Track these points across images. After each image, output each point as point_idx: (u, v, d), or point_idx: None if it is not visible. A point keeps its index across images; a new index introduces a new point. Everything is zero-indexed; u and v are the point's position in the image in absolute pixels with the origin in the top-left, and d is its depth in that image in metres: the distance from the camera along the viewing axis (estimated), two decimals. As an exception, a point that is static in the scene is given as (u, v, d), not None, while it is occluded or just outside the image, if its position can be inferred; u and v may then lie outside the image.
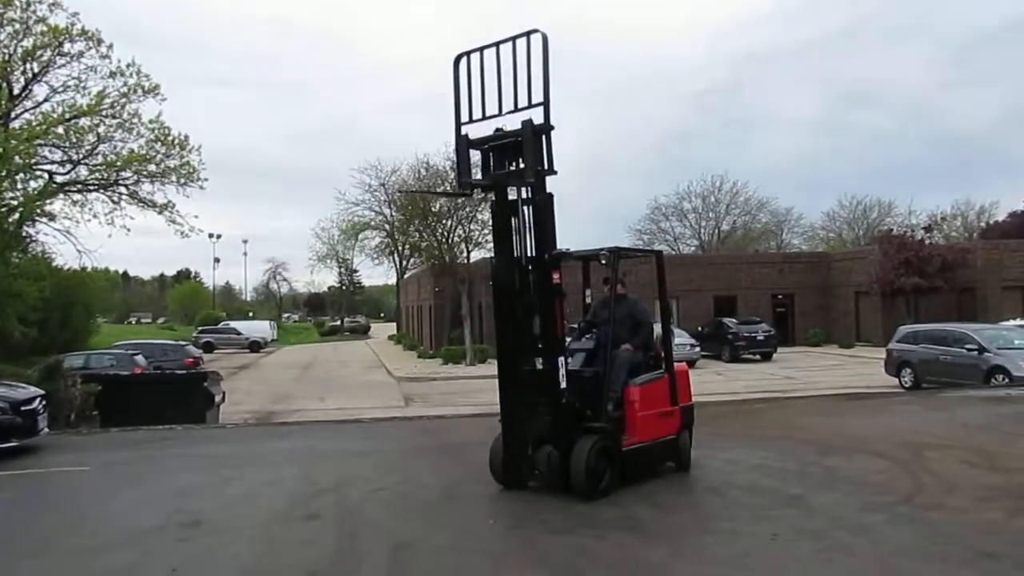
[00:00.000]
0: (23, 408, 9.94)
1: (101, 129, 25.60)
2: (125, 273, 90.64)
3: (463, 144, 7.09)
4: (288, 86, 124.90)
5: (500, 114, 6.89)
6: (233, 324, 54.09)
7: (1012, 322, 22.06)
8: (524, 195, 6.92)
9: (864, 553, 5.25)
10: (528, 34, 6.56)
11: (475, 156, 7.29)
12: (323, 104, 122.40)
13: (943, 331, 18.71)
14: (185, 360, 25.24)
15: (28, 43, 24.71)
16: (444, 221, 33.34)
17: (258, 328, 53.68)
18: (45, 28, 24.46)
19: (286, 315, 74.66)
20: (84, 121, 25.24)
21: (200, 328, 52.03)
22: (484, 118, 7.01)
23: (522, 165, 6.72)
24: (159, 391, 14.44)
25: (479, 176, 7.42)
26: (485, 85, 6.86)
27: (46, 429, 10.56)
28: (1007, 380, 15.87)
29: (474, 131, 7.09)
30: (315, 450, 9.83)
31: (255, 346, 48.27)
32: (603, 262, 7.48)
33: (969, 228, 54.73)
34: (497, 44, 6.78)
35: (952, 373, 17.14)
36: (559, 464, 6.71)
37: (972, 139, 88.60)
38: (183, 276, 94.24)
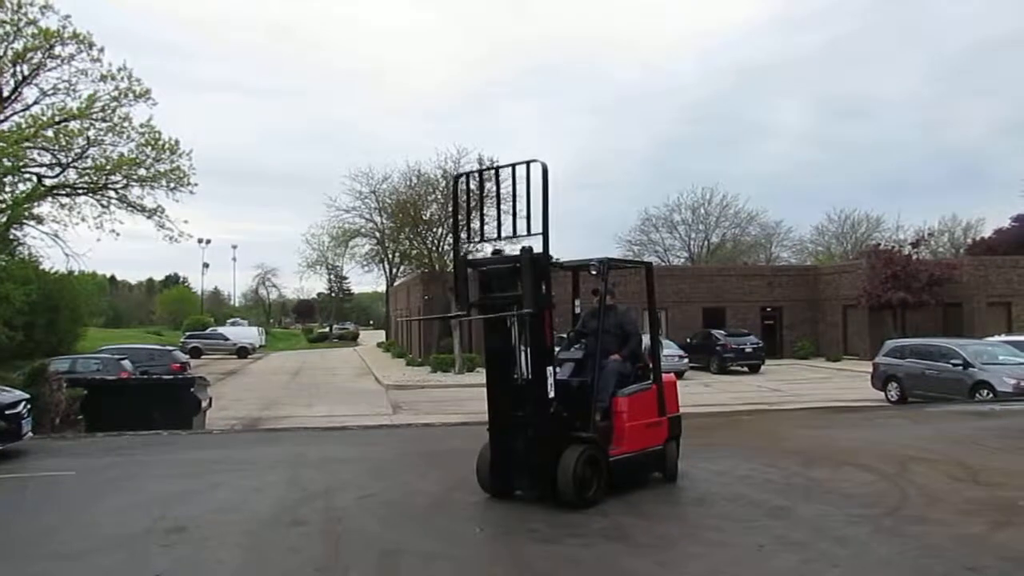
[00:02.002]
0: (7, 412, 9.85)
1: (91, 132, 25.52)
2: (113, 277, 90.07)
3: (462, 265, 7.19)
4: (282, 92, 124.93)
5: (499, 239, 7.02)
6: (221, 330, 53.81)
7: (997, 337, 22.21)
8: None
9: (848, 564, 5.28)
10: (528, 163, 6.70)
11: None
12: (316, 109, 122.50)
13: (929, 346, 18.84)
14: (172, 365, 25.08)
15: (18, 45, 24.62)
16: (435, 229, 33.39)
17: (246, 334, 53.40)
18: (36, 30, 24.36)
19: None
20: (74, 124, 25.14)
21: (188, 333, 51.74)
22: (483, 240, 7.17)
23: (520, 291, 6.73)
24: (145, 396, 14.35)
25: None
26: (484, 208, 7.07)
27: (30, 433, 10.47)
28: (991, 395, 15.98)
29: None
30: (302, 457, 9.79)
31: (243, 352, 48.03)
32: (593, 272, 7.51)
33: (956, 244, 55.25)
34: (497, 168, 7.09)
35: (938, 387, 17.25)
36: (547, 473, 6.72)
37: (960, 155, 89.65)
38: (171, 281, 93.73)
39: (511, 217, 6.84)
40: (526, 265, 6.62)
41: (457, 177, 7.43)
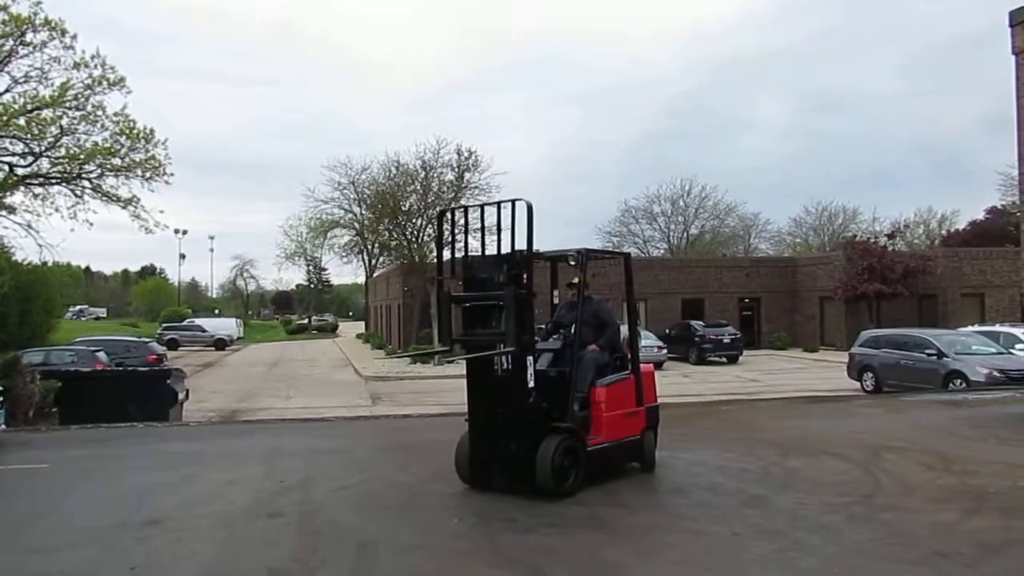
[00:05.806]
0: (-21, 404, 9.72)
1: (64, 121, 25.11)
2: (88, 268, 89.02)
3: (445, 300, 7.16)
4: (260, 82, 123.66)
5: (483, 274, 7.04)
6: (198, 321, 53.30)
7: (970, 328, 22.55)
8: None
9: (822, 552, 5.34)
10: (513, 201, 6.70)
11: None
12: (295, 100, 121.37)
13: (904, 336, 19.08)
14: (148, 357, 24.80)
15: (-11, 32, 24.12)
16: (414, 220, 33.26)
17: (224, 325, 52.94)
18: (7, 17, 23.89)
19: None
20: (47, 113, 24.73)
21: (164, 325, 51.17)
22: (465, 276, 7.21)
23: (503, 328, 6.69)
24: (121, 388, 14.18)
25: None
26: (469, 243, 7.11)
27: (3, 426, 10.34)
28: (964, 384, 16.22)
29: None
30: (280, 449, 9.73)
31: (220, 344, 47.62)
32: (572, 263, 7.50)
33: (931, 236, 56.01)
34: (482, 206, 7.13)
35: (912, 377, 17.47)
36: (525, 463, 6.72)
37: (938, 149, 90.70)
38: (148, 272, 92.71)
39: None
40: (509, 303, 6.60)
41: (442, 212, 7.45)
